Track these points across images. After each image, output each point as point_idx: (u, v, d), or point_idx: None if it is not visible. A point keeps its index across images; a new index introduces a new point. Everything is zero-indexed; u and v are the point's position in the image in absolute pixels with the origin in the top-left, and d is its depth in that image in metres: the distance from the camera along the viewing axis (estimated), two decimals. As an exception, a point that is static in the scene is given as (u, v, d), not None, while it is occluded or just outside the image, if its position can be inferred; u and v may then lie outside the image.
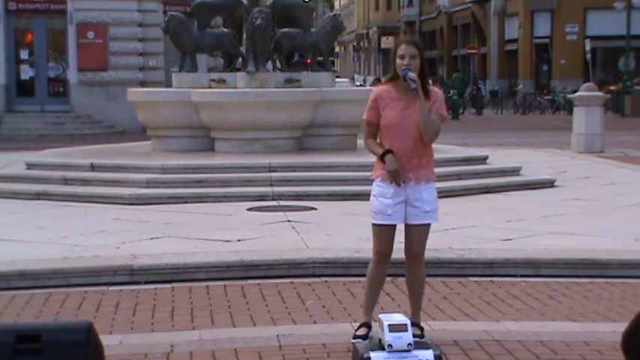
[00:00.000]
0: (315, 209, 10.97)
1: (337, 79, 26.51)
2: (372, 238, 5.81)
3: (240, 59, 15.68)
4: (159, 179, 12.28)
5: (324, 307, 6.88)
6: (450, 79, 50.07)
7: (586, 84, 21.06)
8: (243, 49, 15.51)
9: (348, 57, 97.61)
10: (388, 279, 6.26)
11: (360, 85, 45.99)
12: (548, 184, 13.27)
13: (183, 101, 14.12)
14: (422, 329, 5.78)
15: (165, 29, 15.71)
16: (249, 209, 10.98)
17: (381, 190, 5.69)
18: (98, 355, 3.37)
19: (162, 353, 5.62)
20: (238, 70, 15.42)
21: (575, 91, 20.99)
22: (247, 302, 7.05)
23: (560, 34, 44.24)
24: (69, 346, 3.25)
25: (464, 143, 19.71)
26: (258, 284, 7.60)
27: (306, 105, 14.21)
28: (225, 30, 16.84)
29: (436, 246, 7.81)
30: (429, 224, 5.78)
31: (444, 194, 10.90)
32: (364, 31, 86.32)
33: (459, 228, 9.51)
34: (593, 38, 40.98)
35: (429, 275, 6.36)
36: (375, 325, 5.58)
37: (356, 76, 64.99)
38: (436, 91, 5.78)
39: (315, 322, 6.42)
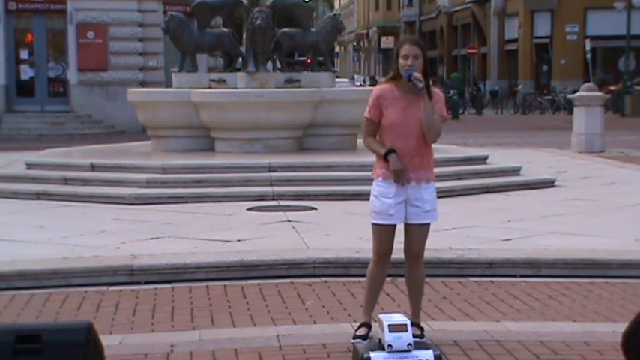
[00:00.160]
0: (315, 209, 10.97)
1: (337, 79, 26.51)
2: (372, 238, 5.81)
3: (240, 59, 15.68)
4: (159, 179, 12.28)
5: (324, 307, 6.88)
6: (450, 79, 50.08)
7: (586, 84, 21.06)
8: (243, 49, 15.51)
9: (348, 57, 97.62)
10: (388, 279, 6.26)
11: (360, 85, 46.01)
12: (548, 184, 13.27)
13: (183, 101, 14.12)
14: (422, 329, 5.78)
15: (165, 29, 15.71)
16: (249, 209, 10.98)
17: (382, 190, 5.68)
18: (98, 355, 3.36)
19: (162, 353, 5.62)
20: (238, 70, 15.42)
21: (575, 91, 20.99)
22: (247, 302, 7.05)
23: (560, 34, 44.24)
24: (69, 346, 3.25)
25: (464, 143, 19.71)
26: (258, 284, 7.60)
27: (306, 105, 14.21)
28: (225, 30, 16.84)
29: (436, 246, 7.81)
30: (429, 224, 5.79)
31: (444, 194, 10.92)
32: (364, 31, 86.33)
33: (459, 228, 9.51)
34: (593, 38, 40.98)
35: (428, 275, 6.36)
36: (375, 325, 5.58)
37: (356, 76, 64.99)
38: (437, 91, 5.78)
39: (315, 322, 6.42)
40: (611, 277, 7.84)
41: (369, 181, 5.88)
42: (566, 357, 5.51)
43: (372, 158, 5.90)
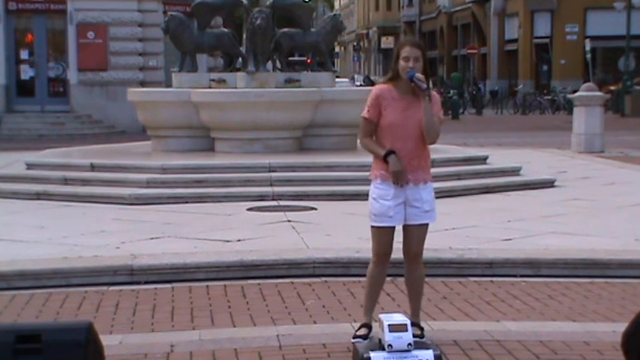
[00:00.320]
0: (315, 209, 10.97)
1: (337, 79, 26.51)
2: (372, 240, 5.81)
3: (240, 59, 15.68)
4: (159, 179, 12.28)
5: (324, 307, 6.88)
6: (450, 79, 50.09)
7: (586, 84, 21.06)
8: (243, 49, 15.51)
9: (348, 57, 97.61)
10: (388, 279, 6.26)
11: (360, 85, 46.00)
12: (548, 184, 13.27)
13: (183, 101, 14.12)
14: (422, 329, 5.78)
15: (165, 29, 15.71)
16: (249, 209, 10.98)
17: (381, 192, 5.68)
18: (98, 355, 3.36)
19: (162, 353, 5.62)
20: (238, 70, 15.42)
21: (575, 91, 20.99)
22: (247, 302, 7.05)
23: (560, 34, 44.25)
24: (69, 346, 3.25)
25: (464, 143, 19.71)
26: (258, 284, 7.60)
27: (306, 105, 14.21)
28: (225, 30, 16.85)
29: (436, 246, 7.81)
30: (428, 224, 5.79)
31: (443, 194, 10.95)
32: (364, 31, 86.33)
33: (459, 228, 9.51)
34: (593, 38, 40.98)
35: (428, 275, 6.37)
36: (375, 325, 5.58)
37: (356, 76, 64.96)
38: (434, 93, 5.78)
39: (315, 322, 6.42)
40: (611, 277, 7.84)
41: (368, 181, 5.87)
42: (566, 357, 5.51)
43: (372, 158, 5.89)
